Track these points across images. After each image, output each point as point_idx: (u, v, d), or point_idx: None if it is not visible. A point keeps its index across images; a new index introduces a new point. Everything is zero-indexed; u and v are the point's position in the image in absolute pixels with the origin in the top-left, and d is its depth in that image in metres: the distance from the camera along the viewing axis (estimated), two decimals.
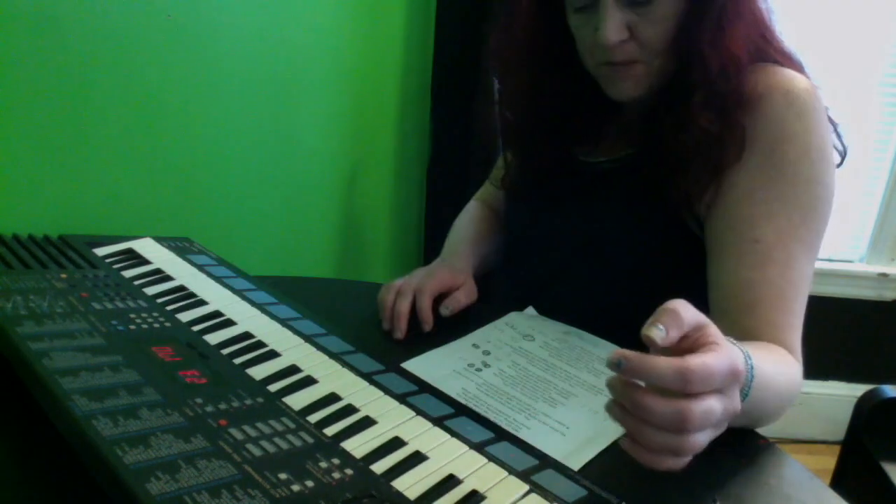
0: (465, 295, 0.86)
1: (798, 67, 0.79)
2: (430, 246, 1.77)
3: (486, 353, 0.76)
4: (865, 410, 1.20)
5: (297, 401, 0.58)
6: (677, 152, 0.75)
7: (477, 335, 0.79)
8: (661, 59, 0.77)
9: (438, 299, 0.84)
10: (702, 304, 0.81)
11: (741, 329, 0.71)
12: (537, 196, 0.94)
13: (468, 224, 1.04)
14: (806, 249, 0.72)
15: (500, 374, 0.71)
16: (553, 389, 0.69)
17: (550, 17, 0.84)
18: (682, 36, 0.74)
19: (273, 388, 0.60)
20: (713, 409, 0.44)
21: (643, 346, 0.45)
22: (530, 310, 0.86)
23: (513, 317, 0.84)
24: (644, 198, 0.81)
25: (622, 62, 0.77)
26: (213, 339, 0.67)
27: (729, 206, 0.74)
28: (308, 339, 0.69)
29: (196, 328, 0.68)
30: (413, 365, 0.71)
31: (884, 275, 2.00)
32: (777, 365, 0.65)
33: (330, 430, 0.55)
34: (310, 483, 0.47)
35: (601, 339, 0.80)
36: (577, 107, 0.89)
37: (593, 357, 0.76)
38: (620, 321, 0.78)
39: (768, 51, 0.78)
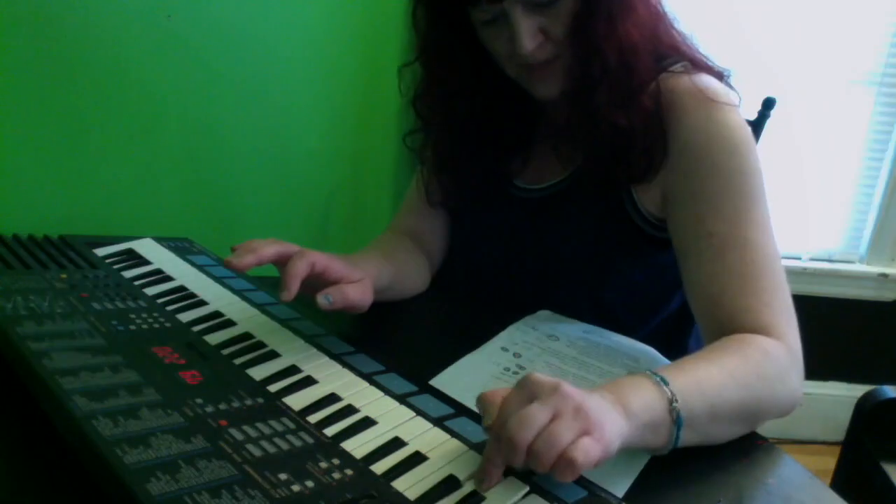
0: (356, 292, 0.71)
1: (698, 59, 0.81)
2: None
3: (518, 355, 0.75)
4: (865, 410, 1.20)
5: (297, 401, 0.58)
6: (600, 152, 0.79)
7: (503, 338, 0.79)
8: (571, 54, 0.78)
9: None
10: (668, 298, 0.86)
11: (716, 323, 0.71)
12: (480, 227, 0.93)
13: (375, 244, 0.94)
14: (761, 228, 0.73)
15: None
16: (594, 387, 0.68)
17: (456, 34, 0.83)
18: (578, 31, 0.76)
19: (273, 388, 0.60)
20: (532, 412, 0.49)
21: None
22: (544, 312, 0.86)
23: (532, 319, 0.84)
24: (589, 212, 0.83)
25: (542, 62, 0.78)
26: (213, 339, 0.67)
27: (678, 210, 0.78)
28: (308, 339, 0.69)
29: (196, 328, 0.68)
30: (447, 376, 0.70)
31: (884, 275, 1.99)
32: (719, 362, 0.63)
33: (330, 431, 0.55)
34: (310, 483, 0.47)
35: (620, 336, 0.80)
36: (497, 121, 0.89)
37: (619, 353, 0.76)
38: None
39: (667, 42, 0.80)
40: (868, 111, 1.92)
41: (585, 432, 0.49)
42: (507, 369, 0.72)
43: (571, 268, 0.86)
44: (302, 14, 1.22)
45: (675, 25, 0.82)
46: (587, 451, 0.48)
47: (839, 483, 1.27)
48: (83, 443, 0.47)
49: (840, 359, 2.02)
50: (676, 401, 0.57)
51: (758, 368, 0.65)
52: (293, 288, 0.64)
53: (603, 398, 0.53)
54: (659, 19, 0.80)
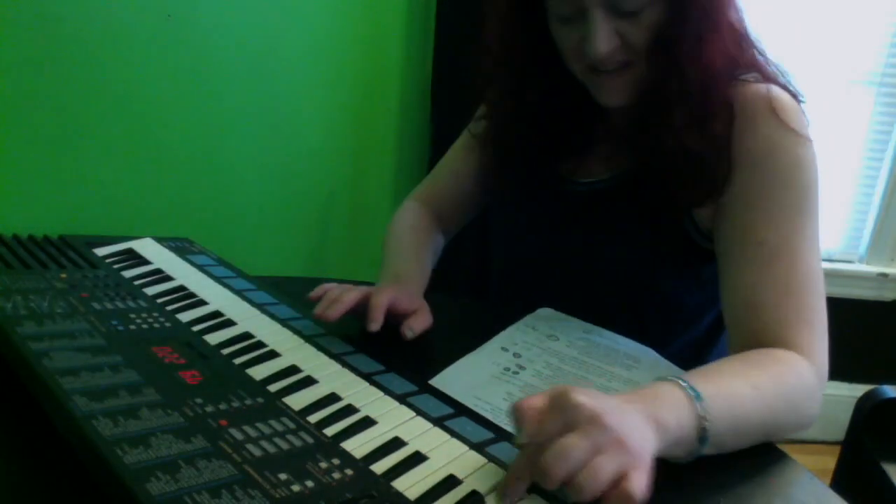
0: (426, 319, 0.78)
1: (775, 76, 0.79)
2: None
3: (517, 355, 0.75)
4: (865, 410, 1.20)
5: (297, 401, 0.58)
6: (663, 169, 0.77)
7: (503, 338, 0.79)
8: (646, 64, 0.76)
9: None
10: (701, 313, 0.85)
11: (750, 332, 0.71)
12: (526, 217, 0.93)
13: (410, 234, 0.98)
14: (811, 245, 0.73)
15: (538, 375, 0.71)
16: (591, 387, 0.68)
17: (528, 24, 0.82)
18: (661, 45, 0.74)
19: (273, 388, 0.60)
20: (572, 446, 0.47)
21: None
22: (546, 310, 0.86)
23: (531, 319, 0.84)
24: (641, 217, 0.82)
25: (612, 70, 0.77)
26: (213, 339, 0.67)
27: (730, 218, 0.76)
28: (308, 339, 0.69)
29: (196, 328, 0.68)
30: (447, 375, 0.70)
31: (884, 275, 2.00)
32: (753, 379, 0.63)
33: (330, 431, 0.55)
34: (310, 483, 0.47)
35: (620, 336, 0.80)
36: (560, 116, 0.88)
37: (619, 353, 0.76)
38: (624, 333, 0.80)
39: (746, 61, 0.78)
40: (868, 111, 1.92)
41: (628, 465, 0.48)
42: (507, 369, 0.72)
43: (614, 269, 0.85)
44: (303, 14, 1.22)
45: (757, 45, 0.80)
46: (642, 485, 0.47)
47: (839, 483, 1.27)
48: (83, 443, 0.47)
49: (840, 359, 2.00)
50: (707, 420, 0.56)
51: (788, 392, 0.64)
52: (380, 318, 0.72)
53: (638, 413, 0.52)
54: (742, 41, 0.78)
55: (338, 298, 0.72)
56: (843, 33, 1.83)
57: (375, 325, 0.71)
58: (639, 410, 0.53)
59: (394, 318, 0.75)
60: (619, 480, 0.47)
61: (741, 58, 0.78)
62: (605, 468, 0.46)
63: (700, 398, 0.57)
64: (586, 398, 0.49)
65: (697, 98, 0.74)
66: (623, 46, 0.75)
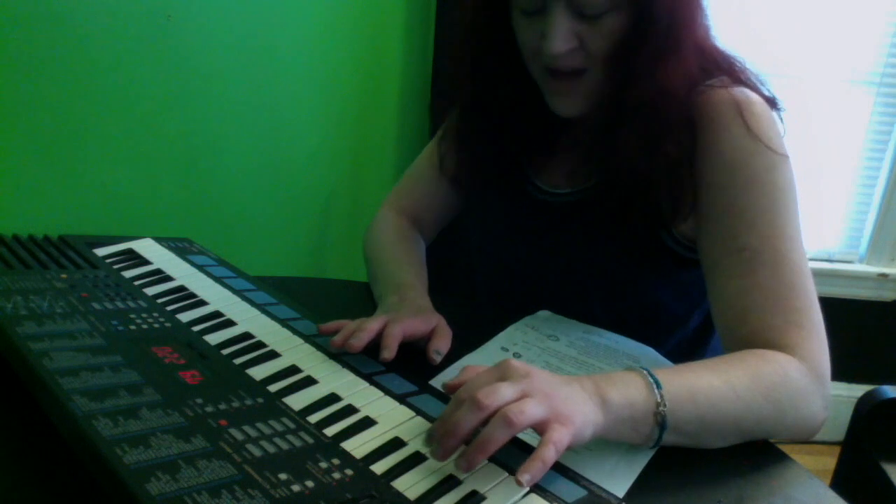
0: (448, 338, 0.76)
1: (746, 79, 0.78)
2: (429, 247, 1.77)
3: (517, 355, 0.75)
4: (865, 410, 1.20)
5: (297, 401, 0.58)
6: (618, 189, 0.77)
7: (503, 338, 0.79)
8: (602, 73, 0.76)
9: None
10: (687, 317, 0.86)
11: (741, 340, 0.70)
12: (502, 225, 0.92)
13: (400, 244, 0.96)
14: (793, 246, 0.72)
15: None
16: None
17: (495, 20, 0.82)
18: (618, 56, 0.74)
19: (273, 388, 0.60)
20: (500, 386, 0.53)
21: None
22: (545, 312, 0.86)
23: (531, 319, 0.84)
24: (614, 228, 0.81)
25: (566, 72, 0.76)
26: (213, 339, 0.67)
27: (710, 227, 0.75)
28: (308, 339, 0.69)
29: (196, 328, 0.68)
30: (447, 376, 0.70)
31: (884, 275, 2.00)
32: (725, 374, 0.62)
33: (330, 431, 0.55)
34: (310, 483, 0.47)
35: (619, 336, 0.80)
36: (522, 115, 0.87)
37: (619, 353, 0.76)
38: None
39: (709, 68, 0.78)
40: (868, 111, 1.92)
41: (552, 418, 0.51)
42: None
43: (594, 279, 0.85)
44: (302, 14, 1.22)
45: (728, 54, 0.79)
46: (562, 439, 0.50)
47: (839, 483, 1.27)
48: (83, 443, 0.47)
49: (840, 359, 2.00)
50: (664, 405, 0.57)
51: (769, 389, 0.63)
52: (394, 349, 0.69)
53: (582, 388, 0.56)
54: (707, 61, 0.77)
55: (360, 328, 0.69)
56: (843, 33, 1.83)
57: (389, 353, 0.68)
58: (583, 386, 0.56)
59: (411, 341, 0.73)
60: (542, 427, 0.51)
61: (704, 68, 0.77)
62: (531, 407, 0.51)
63: (659, 385, 0.58)
64: (524, 364, 0.55)
65: (650, 115, 0.74)
66: (580, 50, 0.74)
